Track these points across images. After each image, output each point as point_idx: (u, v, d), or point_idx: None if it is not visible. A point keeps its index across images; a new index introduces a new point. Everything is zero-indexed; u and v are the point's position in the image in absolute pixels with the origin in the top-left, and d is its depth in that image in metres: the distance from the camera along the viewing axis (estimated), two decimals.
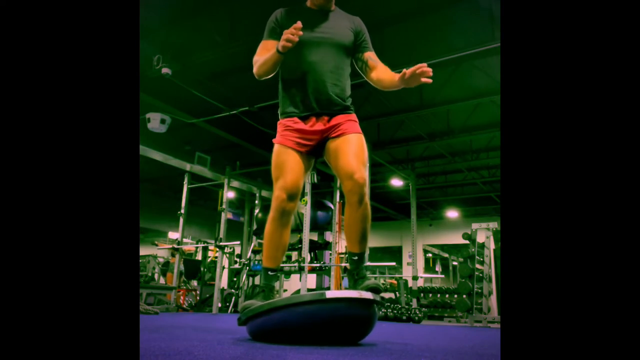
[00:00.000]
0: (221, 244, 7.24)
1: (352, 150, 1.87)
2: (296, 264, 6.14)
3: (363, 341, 1.81)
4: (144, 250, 14.35)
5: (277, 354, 1.32)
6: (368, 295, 1.68)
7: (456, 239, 11.73)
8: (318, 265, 6.63)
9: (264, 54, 1.92)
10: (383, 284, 12.34)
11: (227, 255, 7.82)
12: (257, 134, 7.49)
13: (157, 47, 5.77)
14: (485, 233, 6.92)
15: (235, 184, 9.12)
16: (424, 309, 8.56)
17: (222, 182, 8.06)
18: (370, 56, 2.04)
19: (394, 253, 15.25)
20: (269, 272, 1.97)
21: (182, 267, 7.90)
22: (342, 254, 6.45)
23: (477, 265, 7.02)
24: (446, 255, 16.67)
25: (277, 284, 7.59)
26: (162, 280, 9.73)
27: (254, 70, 1.96)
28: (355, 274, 1.90)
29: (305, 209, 6.06)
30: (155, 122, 6.95)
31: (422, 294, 10.24)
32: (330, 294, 1.65)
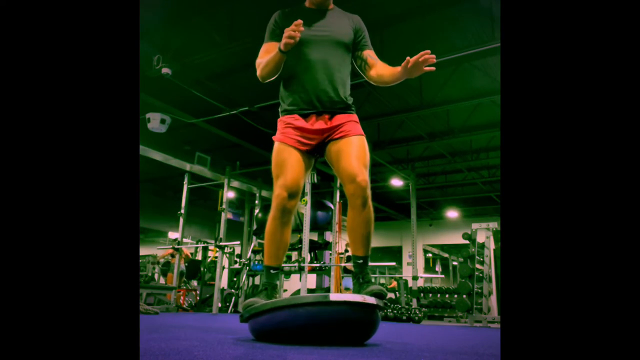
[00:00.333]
0: (221, 244, 7.24)
1: (354, 153, 1.87)
2: (296, 264, 6.13)
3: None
4: (144, 250, 14.35)
5: (277, 354, 1.32)
6: (372, 300, 1.67)
7: (456, 239, 11.73)
8: (318, 265, 6.63)
9: (266, 56, 1.92)
10: (383, 284, 12.35)
11: (227, 255, 7.82)
12: (257, 134, 7.50)
13: (157, 47, 5.77)
14: (485, 233, 6.92)
15: (235, 184, 9.12)
16: (424, 309, 8.56)
17: (222, 182, 8.06)
18: (370, 54, 2.04)
19: (394, 253, 15.25)
20: (271, 271, 1.97)
21: (182, 267, 7.90)
22: (342, 253, 6.45)
23: (477, 265, 7.02)
24: (446, 255, 16.67)
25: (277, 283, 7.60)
26: (162, 280, 9.73)
27: (258, 73, 1.96)
28: (360, 278, 1.88)
29: (305, 209, 6.06)
30: (155, 122, 6.95)
31: (422, 294, 10.24)
32: (333, 296, 1.64)
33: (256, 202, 8.89)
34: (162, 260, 9.45)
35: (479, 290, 6.75)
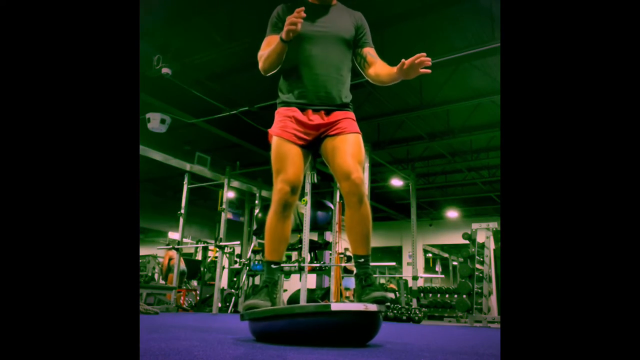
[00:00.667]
0: (221, 244, 7.24)
1: (349, 150, 1.86)
2: (296, 264, 6.13)
3: None
4: (144, 250, 14.34)
5: (277, 354, 1.32)
6: (373, 307, 1.66)
7: (456, 239, 11.73)
8: (318, 265, 6.62)
9: (268, 48, 1.92)
10: (383, 284, 12.34)
11: (227, 255, 7.81)
12: (257, 134, 7.50)
13: (157, 47, 5.77)
14: (485, 233, 6.92)
15: (235, 184, 9.12)
16: (424, 309, 8.55)
17: (222, 182, 8.06)
18: (370, 52, 2.03)
19: (394, 253, 15.25)
20: (272, 266, 1.96)
21: (182, 267, 7.90)
22: (342, 254, 6.44)
23: (477, 265, 7.02)
24: (446, 255, 16.66)
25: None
26: (162, 281, 9.72)
27: (260, 65, 1.95)
28: (362, 279, 1.85)
29: (305, 209, 6.05)
30: (155, 122, 6.95)
31: (422, 294, 10.23)
32: (335, 306, 1.63)
33: (256, 202, 8.89)
34: (164, 269, 9.45)
35: (479, 290, 6.75)
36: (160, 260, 10.32)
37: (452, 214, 14.01)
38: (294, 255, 7.34)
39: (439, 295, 10.56)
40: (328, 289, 6.53)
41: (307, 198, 6.02)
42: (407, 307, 6.99)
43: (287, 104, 1.95)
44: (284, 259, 7.64)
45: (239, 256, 8.77)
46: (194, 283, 9.19)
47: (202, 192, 10.78)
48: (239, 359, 1.23)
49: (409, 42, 5.60)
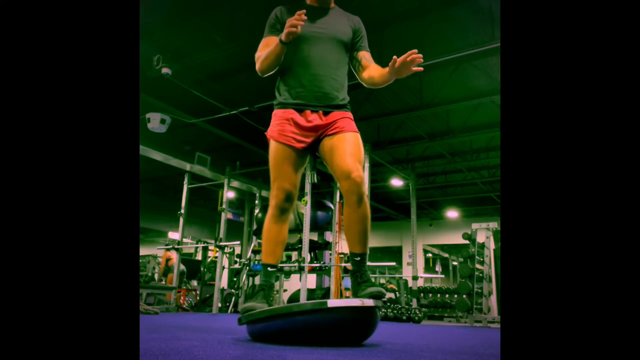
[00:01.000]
0: (221, 244, 7.24)
1: (348, 149, 1.86)
2: (296, 264, 6.13)
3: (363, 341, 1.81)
4: (144, 250, 14.34)
5: (277, 354, 1.32)
6: (370, 302, 1.66)
7: (456, 239, 11.73)
8: (318, 265, 6.63)
9: (266, 49, 1.92)
10: (383, 284, 12.34)
11: (227, 255, 7.81)
12: (257, 134, 7.50)
13: (157, 47, 5.77)
14: (485, 233, 6.92)
15: (235, 184, 9.11)
16: (424, 309, 8.55)
17: (222, 182, 8.06)
18: (365, 55, 2.04)
19: (394, 253, 15.25)
20: (269, 269, 1.97)
21: (182, 268, 7.90)
22: (342, 253, 6.44)
23: (477, 265, 7.02)
24: (446, 255, 16.67)
25: (277, 284, 7.60)
26: (163, 282, 9.73)
27: (257, 66, 1.95)
28: (358, 276, 1.87)
29: (305, 209, 6.05)
30: (155, 122, 6.95)
31: (422, 294, 10.24)
32: (331, 302, 1.63)
33: (256, 202, 8.89)
34: (156, 273, 9.45)
35: (479, 290, 6.75)
36: (160, 260, 10.32)
37: (452, 214, 14.01)
38: (294, 255, 7.35)
39: (439, 295, 10.56)
40: (328, 289, 6.53)
41: (307, 198, 6.02)
42: (407, 307, 6.99)
43: (284, 105, 1.95)
44: (284, 259, 7.66)
45: (239, 256, 8.77)
46: (194, 283, 9.19)
47: (202, 192, 10.78)
48: (239, 359, 1.23)
49: (409, 42, 5.59)
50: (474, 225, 7.17)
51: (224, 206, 7.70)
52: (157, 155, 8.26)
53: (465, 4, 5.00)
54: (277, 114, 1.97)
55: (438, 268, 17.54)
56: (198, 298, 8.25)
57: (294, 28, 1.73)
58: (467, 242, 7.10)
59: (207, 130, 7.80)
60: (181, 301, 7.57)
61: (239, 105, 7.09)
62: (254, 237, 7.78)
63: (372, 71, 1.98)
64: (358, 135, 1.94)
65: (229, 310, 7.20)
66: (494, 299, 6.69)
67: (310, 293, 6.84)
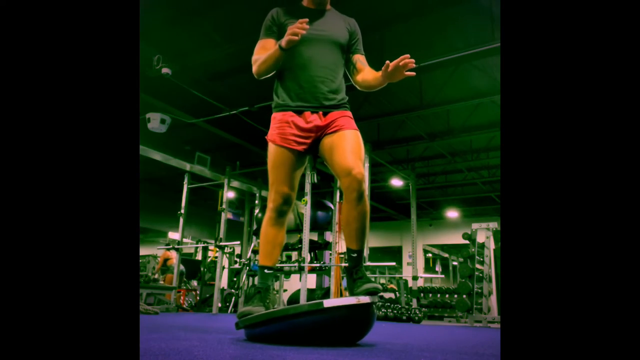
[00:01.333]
0: (221, 244, 7.24)
1: (349, 147, 1.86)
2: (296, 264, 6.13)
3: (362, 341, 1.81)
4: (144, 250, 14.34)
5: (277, 354, 1.32)
6: (366, 299, 1.67)
7: (456, 239, 11.73)
8: (318, 265, 6.62)
9: (263, 52, 1.93)
10: (383, 284, 12.34)
11: (227, 255, 7.81)
12: (257, 134, 7.50)
13: (157, 47, 5.77)
14: (485, 233, 6.92)
15: (235, 184, 9.12)
16: (424, 309, 8.55)
17: (222, 182, 8.06)
18: (360, 59, 2.06)
19: (394, 253, 15.25)
20: (266, 270, 1.97)
21: (181, 267, 7.90)
22: (342, 253, 6.44)
23: (477, 265, 7.02)
24: (446, 255, 16.67)
25: (277, 284, 7.60)
26: (161, 281, 9.73)
27: (254, 69, 1.95)
28: (354, 273, 1.87)
29: (305, 209, 6.05)
30: (155, 122, 6.95)
31: (422, 294, 10.24)
32: (328, 302, 1.64)
33: (256, 202, 8.89)
34: (157, 276, 9.45)
35: (479, 290, 6.75)
36: (159, 259, 10.32)
37: (452, 214, 14.01)
38: (294, 255, 7.35)
39: (439, 295, 10.56)
40: (328, 289, 6.53)
41: (307, 198, 6.02)
42: (407, 307, 6.99)
43: (283, 107, 1.95)
44: (284, 259, 7.66)
45: (239, 256, 8.77)
46: (194, 283, 9.19)
47: (202, 192, 10.78)
48: (239, 359, 1.23)
49: (409, 42, 5.60)
50: (474, 225, 7.17)
51: (224, 206, 7.70)
52: (157, 155, 8.26)
53: (465, 4, 5.00)
54: (277, 117, 1.97)
55: (438, 268, 17.55)
56: (198, 298, 8.25)
57: (295, 36, 1.73)
58: (467, 242, 7.10)
59: (207, 130, 7.79)
60: (181, 301, 7.57)
61: (239, 105, 7.09)
62: (254, 237, 7.78)
63: (366, 74, 1.99)
64: (358, 132, 1.94)
65: (229, 310, 7.20)
66: (494, 299, 6.69)
67: (310, 293, 6.83)
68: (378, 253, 15.47)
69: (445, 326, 5.82)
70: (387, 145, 8.87)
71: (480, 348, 1.97)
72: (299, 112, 1.92)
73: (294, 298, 6.89)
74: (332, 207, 7.04)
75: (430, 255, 16.47)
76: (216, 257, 7.80)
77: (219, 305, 6.92)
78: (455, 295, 9.62)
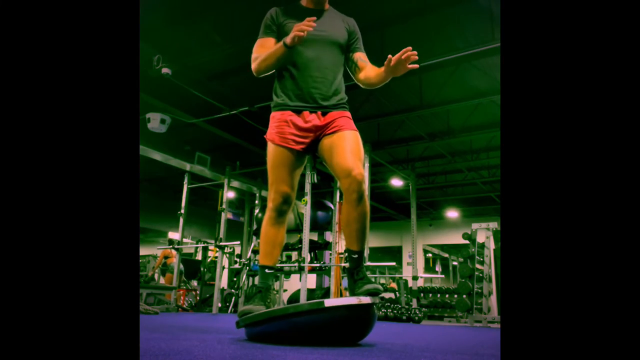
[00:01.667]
0: (221, 244, 7.24)
1: (348, 147, 1.86)
2: (296, 264, 6.13)
3: (363, 341, 1.81)
4: (144, 250, 14.34)
5: (277, 354, 1.32)
6: (367, 300, 1.67)
7: (456, 239, 11.73)
8: (318, 265, 6.63)
9: (262, 50, 1.93)
10: (383, 284, 12.34)
11: (227, 255, 7.81)
12: (257, 134, 7.50)
13: (157, 47, 5.77)
14: (485, 233, 6.92)
15: (235, 184, 9.12)
16: (424, 309, 8.55)
17: (222, 182, 8.06)
18: (361, 57, 2.05)
19: (394, 253, 15.25)
20: (266, 270, 1.98)
21: (180, 267, 7.91)
22: (342, 254, 6.44)
23: (477, 265, 7.02)
24: (446, 255, 16.66)
25: (277, 284, 7.60)
26: (162, 281, 9.73)
27: (254, 66, 1.94)
28: (354, 274, 1.87)
29: (305, 209, 6.06)
30: (155, 122, 6.95)
31: (422, 294, 10.24)
32: (328, 302, 1.64)
33: (256, 202, 8.89)
34: (156, 272, 9.44)
35: (479, 290, 6.75)
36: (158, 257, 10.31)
37: (452, 214, 14.01)
38: (294, 255, 7.35)
39: (439, 295, 10.56)
40: (328, 289, 6.53)
41: (307, 198, 6.02)
42: (407, 307, 6.99)
43: (282, 107, 1.95)
44: (284, 259, 7.66)
45: (239, 256, 8.77)
46: (194, 283, 9.19)
47: (202, 192, 10.78)
48: (239, 359, 1.23)
49: (409, 42, 5.57)
50: (474, 225, 7.18)
51: (224, 206, 7.70)
52: (157, 155, 8.26)
53: (465, 4, 5.00)
54: (275, 116, 1.97)
55: (438, 268, 17.55)
56: (198, 298, 8.25)
57: (302, 33, 1.73)
58: (467, 242, 7.10)
59: (207, 130, 7.80)
60: (181, 301, 7.57)
61: (239, 105, 7.09)
62: (254, 237, 7.78)
63: (368, 72, 1.98)
64: (357, 133, 1.94)
65: (229, 310, 7.21)
66: (494, 299, 6.69)
67: (310, 293, 6.84)
68: (378, 253, 15.47)
69: (445, 326, 5.82)
70: (387, 145, 8.87)
71: (480, 348, 1.97)
72: (298, 112, 1.92)
73: (294, 298, 6.89)
74: (332, 207, 7.05)
75: (430, 255, 16.47)
76: (216, 257, 7.80)
77: (219, 305, 6.93)
78: (455, 295, 9.62)
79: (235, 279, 7.76)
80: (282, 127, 1.93)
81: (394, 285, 11.16)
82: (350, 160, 1.82)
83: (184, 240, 8.02)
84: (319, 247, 7.24)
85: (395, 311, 6.41)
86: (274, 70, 1.97)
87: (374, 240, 14.38)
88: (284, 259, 7.74)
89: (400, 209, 13.23)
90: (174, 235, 10.46)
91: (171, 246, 7.77)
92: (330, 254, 6.64)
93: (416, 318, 6.30)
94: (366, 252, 5.26)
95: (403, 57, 1.75)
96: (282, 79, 1.99)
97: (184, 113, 7.30)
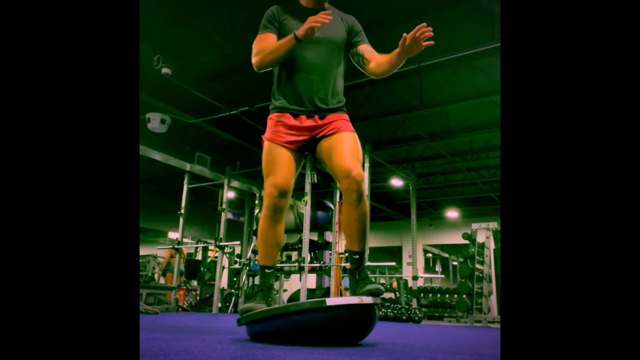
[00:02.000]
0: (221, 244, 7.24)
1: (347, 148, 1.86)
2: (296, 264, 6.13)
3: (363, 341, 1.81)
4: (144, 250, 14.33)
5: (277, 354, 1.32)
6: (368, 300, 1.67)
7: (456, 239, 11.73)
8: (318, 265, 6.63)
9: (265, 45, 1.90)
10: (383, 284, 12.34)
11: (227, 255, 7.81)
12: (257, 134, 7.46)
13: (157, 47, 5.77)
14: (485, 233, 6.92)
15: (235, 184, 9.12)
16: (424, 309, 8.56)
17: (222, 182, 8.06)
18: (366, 48, 2.00)
19: (394, 253, 15.24)
20: (266, 270, 1.97)
21: (182, 267, 7.91)
22: (342, 254, 6.44)
23: (477, 265, 7.02)
24: (446, 255, 16.66)
25: (277, 284, 7.60)
26: (162, 281, 9.73)
27: (257, 60, 1.89)
28: (356, 275, 1.87)
29: (305, 209, 6.05)
30: (155, 122, 6.95)
31: (422, 294, 10.24)
32: (330, 301, 1.64)
33: (256, 202, 8.89)
34: (163, 264, 9.46)
35: (479, 290, 6.75)
36: (161, 260, 10.31)
37: (452, 214, 14.01)
38: (294, 255, 7.35)
39: (439, 295, 10.56)
40: (328, 289, 6.53)
41: (307, 198, 6.02)
42: (407, 307, 6.99)
43: (280, 109, 1.95)
44: (284, 259, 7.66)
45: (239, 256, 8.77)
46: (194, 283, 9.19)
47: (202, 192, 10.78)
48: (239, 358, 1.23)
49: None
50: (474, 225, 7.18)
51: (224, 206, 7.70)
52: (157, 155, 8.26)
53: (465, 4, 5.00)
54: (273, 118, 1.97)
55: (438, 268, 17.54)
56: (198, 298, 8.25)
57: (317, 23, 1.71)
58: (467, 242, 7.10)
59: (207, 130, 7.79)
60: (181, 301, 7.57)
61: (239, 105, 7.09)
62: (254, 237, 7.78)
63: (378, 60, 1.92)
64: (355, 134, 1.94)
65: (229, 310, 7.20)
66: (494, 299, 6.69)
67: (310, 293, 6.83)
68: (378, 253, 15.47)
69: (445, 326, 5.82)
70: (387, 145, 8.86)
71: (480, 348, 1.97)
72: (295, 115, 1.92)
73: (294, 298, 6.89)
74: (332, 207, 7.04)
75: (430, 255, 16.47)
76: (216, 257, 7.80)
77: (219, 305, 6.93)
78: (455, 295, 9.62)
79: (235, 279, 7.76)
80: (277, 126, 1.93)
81: (395, 285, 11.16)
82: (349, 161, 1.82)
83: (184, 240, 8.02)
84: (319, 247, 7.24)
85: (395, 311, 6.41)
86: (272, 68, 1.96)
87: (374, 240, 14.37)
88: (284, 259, 7.74)
89: (400, 209, 13.23)
90: (174, 235, 10.46)
91: (171, 246, 7.77)
92: (330, 254, 6.64)
93: (416, 318, 6.30)
94: (366, 252, 5.26)
95: (417, 34, 1.69)
96: (280, 82, 1.98)
97: (183, 113, 7.29)
